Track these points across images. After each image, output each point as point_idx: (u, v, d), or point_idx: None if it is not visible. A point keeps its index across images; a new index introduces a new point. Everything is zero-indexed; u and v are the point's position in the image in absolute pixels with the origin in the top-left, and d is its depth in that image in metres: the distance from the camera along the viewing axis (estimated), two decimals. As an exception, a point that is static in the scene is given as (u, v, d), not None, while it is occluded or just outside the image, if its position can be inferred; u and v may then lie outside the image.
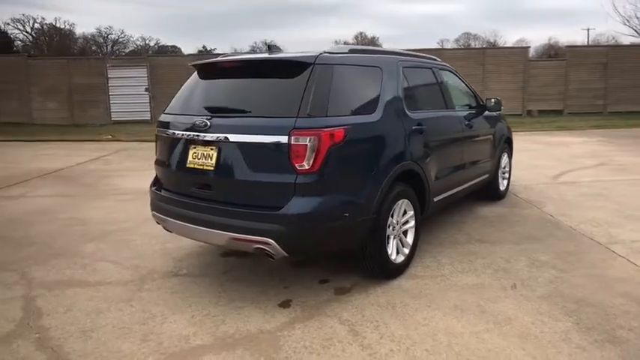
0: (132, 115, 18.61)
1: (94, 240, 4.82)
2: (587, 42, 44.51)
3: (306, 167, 2.95)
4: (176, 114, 3.66)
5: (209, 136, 3.22)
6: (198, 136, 3.28)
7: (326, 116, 3.06)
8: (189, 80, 3.83)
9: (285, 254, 3.04)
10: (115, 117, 18.72)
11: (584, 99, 17.42)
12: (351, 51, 3.54)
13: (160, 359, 2.68)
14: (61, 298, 3.48)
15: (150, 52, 46.00)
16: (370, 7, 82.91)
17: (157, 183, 3.82)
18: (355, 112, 3.32)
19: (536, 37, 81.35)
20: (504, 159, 5.97)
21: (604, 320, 2.99)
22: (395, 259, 3.61)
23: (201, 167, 3.29)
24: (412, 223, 3.81)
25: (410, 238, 3.80)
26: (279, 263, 3.95)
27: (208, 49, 49.79)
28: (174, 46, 50.73)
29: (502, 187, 5.96)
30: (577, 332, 2.86)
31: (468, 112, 4.95)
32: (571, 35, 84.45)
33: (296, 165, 2.96)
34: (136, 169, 8.98)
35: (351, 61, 3.45)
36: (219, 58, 3.72)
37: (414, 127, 3.79)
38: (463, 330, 2.92)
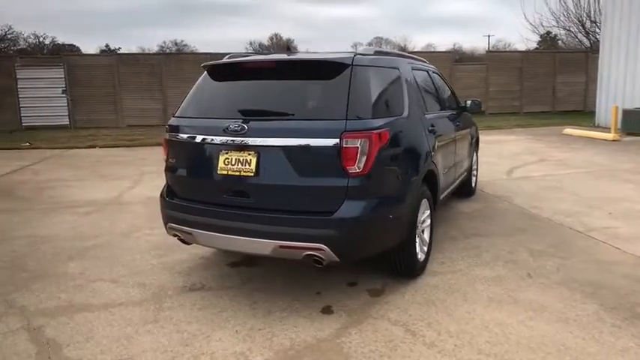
0: (47, 120, 16.96)
1: (73, 259, 4.35)
2: (488, 48, 48.19)
3: (357, 170, 2.93)
4: (194, 117, 3.43)
5: (246, 141, 3.06)
6: (233, 140, 3.10)
7: (372, 118, 3.06)
8: (201, 82, 3.60)
9: (337, 260, 2.98)
10: (26, 122, 16.94)
11: (503, 100, 18.95)
12: (376, 53, 3.55)
13: (226, 380, 2.51)
14: (74, 326, 3.11)
15: (45, 50, 42.09)
16: (283, 9, 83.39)
17: (170, 192, 3.55)
18: (391, 114, 3.35)
19: (441, 42, 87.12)
20: (474, 157, 6.33)
21: (621, 299, 3.30)
22: (420, 258, 3.69)
23: (236, 173, 3.11)
24: (428, 221, 3.91)
25: (427, 236, 3.91)
26: (294, 270, 3.86)
27: (112, 48, 47.00)
28: (71, 45, 46.98)
29: (473, 184, 6.32)
30: (605, 313, 3.13)
31: (454, 113, 5.19)
32: (473, 41, 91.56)
33: (348, 168, 2.92)
34: (75, 179, 8.22)
35: (379, 63, 3.47)
36: (244, 59, 3.54)
37: (429, 128, 3.90)
38: (509, 320, 3.06)
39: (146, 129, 15.78)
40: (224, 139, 3.15)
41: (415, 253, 3.56)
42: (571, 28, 20.82)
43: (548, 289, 3.49)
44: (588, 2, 20.23)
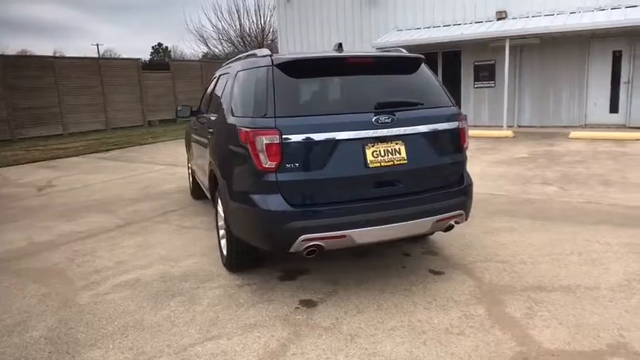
0: None
1: (69, 353, 2.88)
2: (98, 55, 45.48)
3: (466, 146, 3.63)
4: (314, 115, 3.14)
5: (396, 131, 3.20)
6: (382, 132, 3.15)
7: (454, 103, 3.77)
8: (279, 78, 3.20)
9: (464, 221, 3.62)
10: None
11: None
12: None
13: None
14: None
15: None
16: None
17: (292, 201, 3.07)
18: None
19: (36, 48, 77.52)
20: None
21: (533, 213, 5.28)
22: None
23: (389, 164, 3.19)
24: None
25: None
26: (348, 261, 4.05)
27: None
28: None
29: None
30: (538, 221, 5.00)
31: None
32: (76, 48, 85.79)
33: (463, 145, 3.57)
34: None
35: None
36: (346, 54, 3.39)
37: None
38: (514, 238, 4.47)
39: None
40: (372, 132, 3.14)
41: None
42: (231, 41, 23.75)
43: (495, 218, 5.11)
44: (240, 22, 23.59)
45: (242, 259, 3.78)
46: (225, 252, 3.92)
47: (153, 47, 58.74)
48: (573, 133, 10.76)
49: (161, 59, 48.47)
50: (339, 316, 3.14)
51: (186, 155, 7.35)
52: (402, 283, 3.61)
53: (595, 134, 10.53)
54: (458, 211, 3.49)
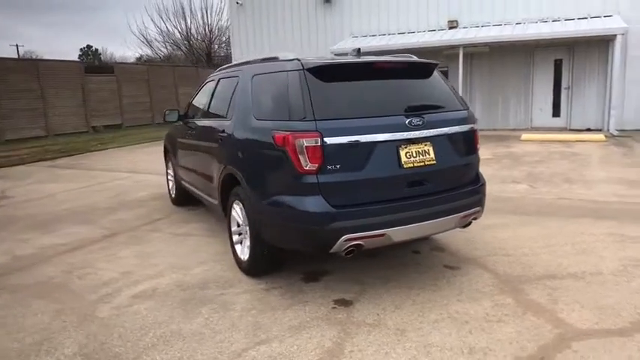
0: None
1: None
2: (18, 56, 41.60)
3: (479, 147, 3.85)
4: (349, 118, 3.21)
5: (426, 133, 3.34)
6: (415, 134, 3.29)
7: (463, 108, 3.98)
8: (311, 81, 3.24)
9: (480, 217, 3.83)
10: None
11: (136, 112, 19.07)
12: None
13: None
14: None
15: None
16: None
17: (332, 202, 3.11)
18: None
19: None
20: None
21: (515, 211, 5.66)
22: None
23: (421, 164, 3.32)
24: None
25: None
26: (369, 260, 4.16)
27: None
28: None
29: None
30: (527, 216, 5.37)
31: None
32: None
33: (477, 145, 3.79)
34: None
35: None
36: (373, 59, 3.45)
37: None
38: (511, 232, 4.79)
39: None
40: (405, 134, 3.26)
41: None
42: (176, 44, 23.05)
43: (487, 215, 5.39)
44: (186, 26, 23.00)
45: (266, 263, 3.76)
46: (244, 257, 3.87)
47: (81, 49, 55.76)
48: (525, 136, 11.56)
49: (91, 62, 46.17)
50: (380, 313, 3.23)
51: (163, 163, 7.11)
52: (427, 278, 3.75)
53: (544, 136, 11.39)
54: (477, 208, 3.70)
